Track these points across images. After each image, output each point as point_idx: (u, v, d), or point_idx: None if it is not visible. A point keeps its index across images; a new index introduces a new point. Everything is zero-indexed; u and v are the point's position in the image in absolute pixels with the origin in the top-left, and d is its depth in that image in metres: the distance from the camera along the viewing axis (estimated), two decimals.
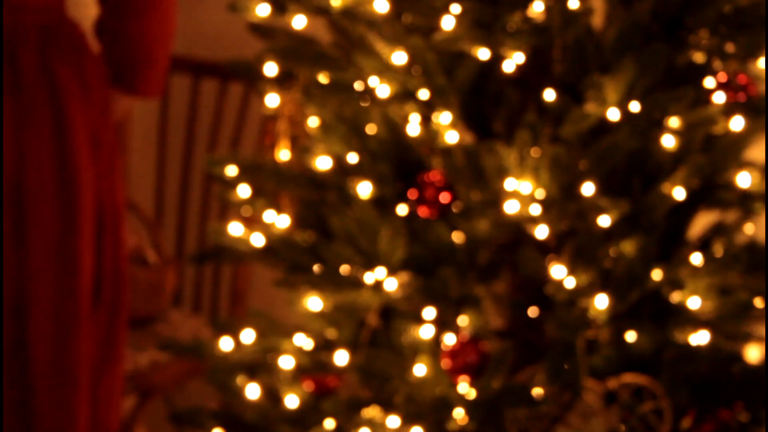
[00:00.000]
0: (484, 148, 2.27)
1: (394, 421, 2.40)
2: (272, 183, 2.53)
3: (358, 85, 2.42)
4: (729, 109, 2.40)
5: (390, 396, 2.41)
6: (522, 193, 2.27)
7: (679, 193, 2.36)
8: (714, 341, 2.34)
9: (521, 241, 2.45)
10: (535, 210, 2.27)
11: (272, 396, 2.69)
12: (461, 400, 2.36)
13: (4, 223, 1.99)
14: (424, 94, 2.39)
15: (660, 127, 2.34)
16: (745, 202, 2.45)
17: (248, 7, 2.52)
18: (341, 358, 2.52)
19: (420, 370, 2.39)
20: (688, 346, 2.37)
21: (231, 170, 2.61)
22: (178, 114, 3.70)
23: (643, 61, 2.34)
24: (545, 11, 2.31)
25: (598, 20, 2.51)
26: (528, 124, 2.30)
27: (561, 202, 2.26)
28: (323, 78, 2.40)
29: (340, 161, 2.46)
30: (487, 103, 2.44)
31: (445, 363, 2.35)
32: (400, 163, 2.45)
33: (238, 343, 2.68)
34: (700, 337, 2.34)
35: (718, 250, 2.48)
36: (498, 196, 2.27)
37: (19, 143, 1.99)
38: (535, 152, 2.29)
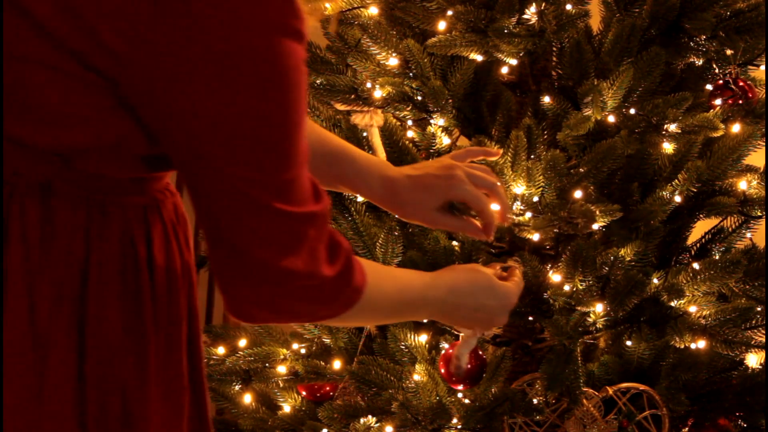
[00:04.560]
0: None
1: (389, 428, 2.39)
2: None
3: (352, 90, 2.41)
4: (728, 114, 2.39)
5: (386, 403, 2.40)
6: (517, 197, 2.25)
7: (677, 199, 2.34)
8: (713, 348, 2.33)
9: (519, 246, 2.44)
10: (530, 214, 2.26)
11: (267, 403, 2.68)
12: (458, 408, 2.34)
13: None
14: (419, 98, 2.38)
15: (659, 132, 2.32)
16: (745, 208, 2.44)
17: None
18: (336, 365, 2.50)
19: (416, 377, 2.37)
20: (687, 352, 2.35)
21: None
22: None
23: (641, 66, 2.33)
24: (540, 15, 2.30)
25: (596, 24, 2.50)
26: (524, 126, 2.28)
27: (556, 206, 2.25)
28: (318, 82, 2.38)
29: None
30: (483, 107, 2.43)
31: (442, 370, 2.33)
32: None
33: (232, 349, 2.67)
34: (698, 344, 2.32)
35: (717, 255, 2.46)
36: None
37: None
38: (532, 156, 2.28)
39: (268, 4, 1.22)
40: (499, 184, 1.67)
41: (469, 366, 1.81)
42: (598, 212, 2.21)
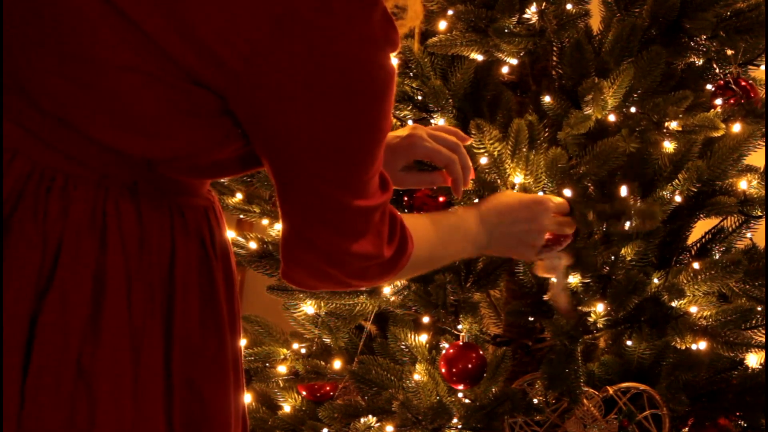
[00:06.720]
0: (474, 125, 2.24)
1: (390, 428, 2.39)
2: (266, 189, 2.51)
3: None
4: (729, 114, 2.38)
5: (386, 403, 2.40)
6: (515, 186, 2.25)
7: (678, 199, 2.34)
8: (713, 348, 2.33)
9: None
10: None
11: (267, 403, 2.67)
12: (458, 407, 2.34)
13: None
14: (419, 97, 2.38)
15: (659, 132, 2.32)
16: (745, 208, 2.44)
17: None
18: (337, 365, 2.50)
19: (416, 377, 2.37)
20: (687, 352, 2.35)
21: None
22: None
23: (642, 65, 2.33)
24: (540, 14, 2.30)
25: (596, 24, 2.50)
26: (526, 119, 2.28)
27: (595, 201, 2.25)
28: None
29: None
30: (484, 107, 2.43)
31: (442, 370, 2.33)
32: None
33: None
34: (699, 344, 2.32)
35: (718, 255, 2.46)
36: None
37: None
38: (533, 153, 2.27)
39: (375, 20, 1.25)
40: (461, 144, 1.70)
41: (568, 304, 1.79)
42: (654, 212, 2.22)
